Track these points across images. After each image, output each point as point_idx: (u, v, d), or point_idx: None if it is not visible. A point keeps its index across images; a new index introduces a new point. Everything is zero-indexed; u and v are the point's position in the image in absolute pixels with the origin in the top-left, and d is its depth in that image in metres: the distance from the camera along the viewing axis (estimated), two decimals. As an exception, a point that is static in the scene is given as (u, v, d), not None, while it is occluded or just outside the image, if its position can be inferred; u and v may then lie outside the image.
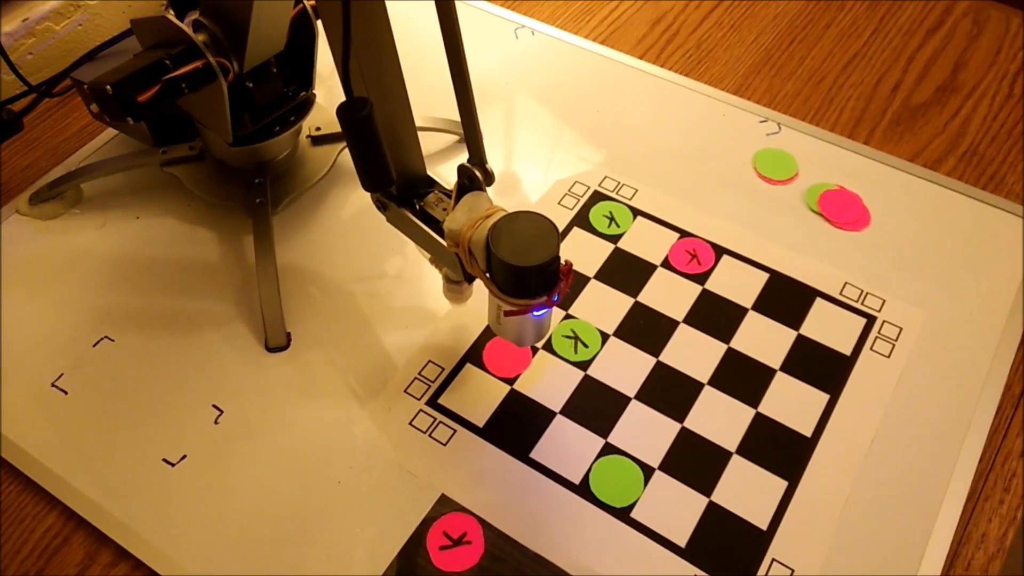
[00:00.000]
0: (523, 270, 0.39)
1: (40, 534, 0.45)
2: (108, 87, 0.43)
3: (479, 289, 0.48)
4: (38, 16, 0.66)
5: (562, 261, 0.40)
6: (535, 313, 0.42)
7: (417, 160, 0.45)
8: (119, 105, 0.44)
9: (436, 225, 0.44)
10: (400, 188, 0.45)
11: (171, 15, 0.45)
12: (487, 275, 0.41)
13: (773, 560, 0.43)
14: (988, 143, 0.62)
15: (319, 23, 0.51)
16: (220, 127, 0.50)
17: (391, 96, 0.41)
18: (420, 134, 0.44)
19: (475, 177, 0.42)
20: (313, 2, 0.50)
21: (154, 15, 0.46)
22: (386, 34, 0.39)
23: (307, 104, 0.54)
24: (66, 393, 0.49)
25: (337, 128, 0.59)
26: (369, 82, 0.40)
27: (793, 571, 0.43)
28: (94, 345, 0.51)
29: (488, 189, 0.43)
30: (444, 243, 0.43)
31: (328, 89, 0.63)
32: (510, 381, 0.50)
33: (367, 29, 0.38)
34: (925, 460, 0.46)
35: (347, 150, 0.59)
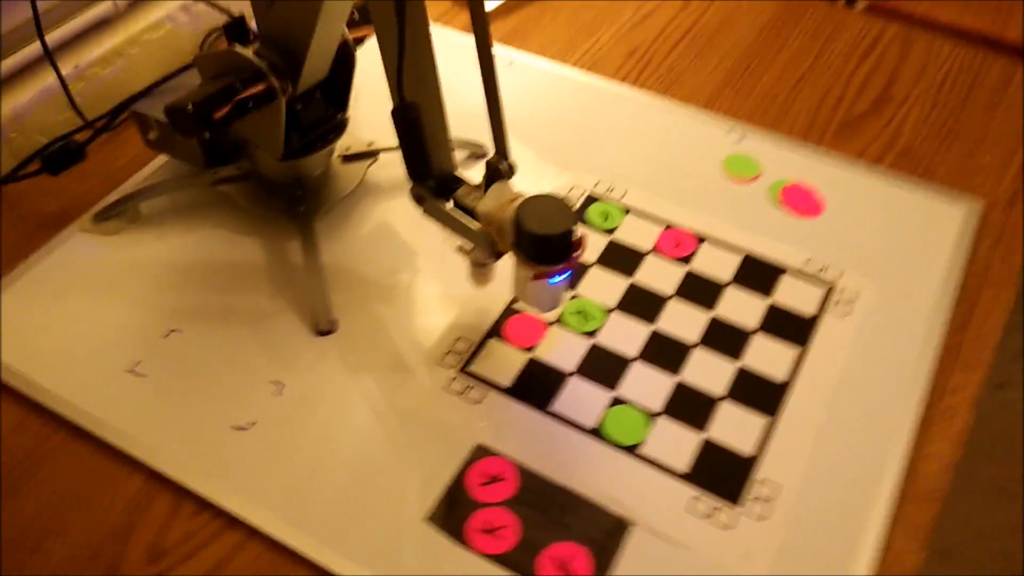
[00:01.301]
0: (549, 238, 0.47)
1: (130, 492, 0.52)
2: (190, 105, 0.52)
3: (499, 275, 0.57)
4: (87, 62, 0.74)
5: (576, 235, 0.49)
6: (554, 279, 0.50)
7: (449, 160, 0.54)
8: (197, 121, 0.52)
9: (468, 212, 0.53)
10: (436, 183, 0.53)
11: (239, 48, 0.54)
12: (516, 247, 0.50)
13: (760, 480, 0.51)
14: (920, 142, 0.73)
15: (357, 53, 0.60)
16: (273, 144, 0.58)
17: (431, 103, 0.50)
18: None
19: (500, 169, 0.51)
20: (355, 33, 0.59)
21: (221, 51, 0.55)
22: (429, 49, 0.48)
23: (342, 125, 0.63)
24: (144, 377, 0.57)
25: (363, 148, 0.68)
26: (415, 90, 0.49)
27: (777, 487, 0.51)
28: (164, 336, 0.59)
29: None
30: (476, 226, 0.52)
31: (352, 118, 0.71)
32: (529, 351, 0.58)
33: (416, 45, 0.47)
34: (881, 395, 0.55)
35: (372, 167, 0.68)
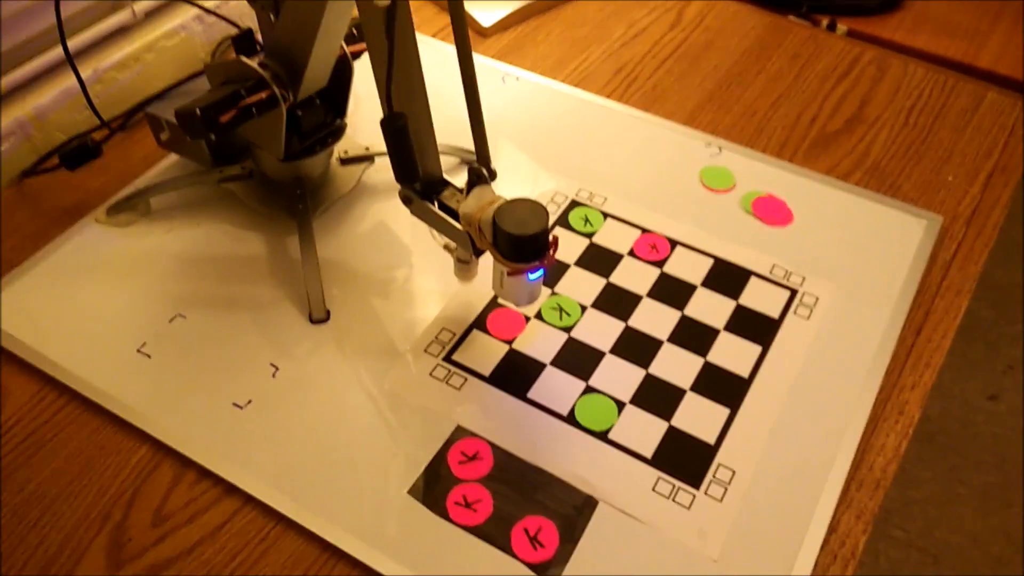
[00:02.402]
0: (523, 238, 0.52)
1: (135, 461, 0.56)
2: (198, 110, 0.56)
3: (482, 271, 0.61)
4: (105, 67, 0.79)
5: (550, 236, 0.53)
6: (530, 276, 0.54)
7: (435, 164, 0.58)
8: (204, 124, 0.57)
9: (452, 213, 0.57)
10: (423, 186, 0.58)
11: (244, 59, 0.59)
12: (493, 246, 0.54)
13: (720, 465, 0.56)
14: (888, 160, 0.77)
15: (355, 65, 0.64)
16: (275, 146, 0.63)
17: (419, 114, 0.55)
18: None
19: (481, 174, 0.55)
20: (352, 48, 0.64)
21: (229, 60, 0.60)
22: (417, 65, 0.52)
23: (341, 130, 0.68)
24: (150, 357, 0.61)
25: (360, 152, 0.73)
26: (403, 101, 0.53)
27: (734, 472, 0.55)
28: (170, 321, 0.63)
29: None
30: (459, 226, 0.56)
31: (352, 124, 0.76)
32: (509, 342, 0.62)
33: (404, 61, 0.52)
34: (836, 392, 0.59)
35: (368, 170, 0.72)
